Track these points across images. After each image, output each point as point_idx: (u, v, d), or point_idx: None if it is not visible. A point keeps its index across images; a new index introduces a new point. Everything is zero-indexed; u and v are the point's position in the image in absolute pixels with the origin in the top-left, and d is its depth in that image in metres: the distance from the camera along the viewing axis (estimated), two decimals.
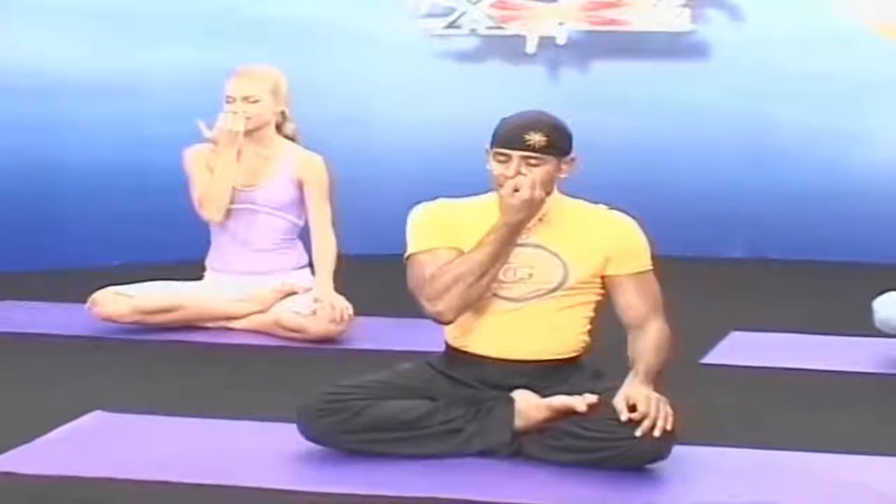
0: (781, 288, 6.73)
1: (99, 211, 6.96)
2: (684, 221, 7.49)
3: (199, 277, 5.62)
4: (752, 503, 3.51)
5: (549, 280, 3.87)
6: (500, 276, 3.86)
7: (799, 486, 3.66)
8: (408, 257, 3.93)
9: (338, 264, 5.47)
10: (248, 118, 5.44)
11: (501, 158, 3.84)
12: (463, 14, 7.59)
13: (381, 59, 7.49)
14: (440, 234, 3.89)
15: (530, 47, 7.59)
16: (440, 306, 3.83)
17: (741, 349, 5.35)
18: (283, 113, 5.60)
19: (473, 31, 7.62)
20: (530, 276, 3.87)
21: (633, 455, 3.68)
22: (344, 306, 5.29)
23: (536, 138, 3.83)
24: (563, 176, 3.92)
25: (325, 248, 5.45)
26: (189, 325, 5.47)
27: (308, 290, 5.42)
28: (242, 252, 5.55)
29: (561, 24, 7.58)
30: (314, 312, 5.30)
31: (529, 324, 3.88)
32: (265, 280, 5.50)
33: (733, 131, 7.51)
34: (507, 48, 7.63)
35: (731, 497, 3.55)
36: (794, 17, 7.38)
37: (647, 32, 7.55)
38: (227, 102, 5.46)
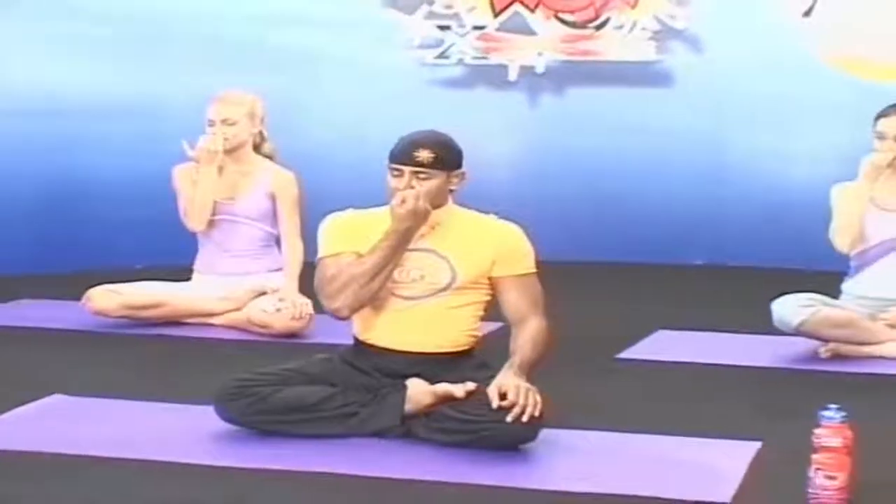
0: (722, 291, 6.70)
1: (122, 219, 7.04)
2: (650, 231, 7.51)
3: (190, 278, 5.72)
4: None
5: (439, 281, 3.91)
6: (396, 277, 3.90)
7: (642, 466, 3.68)
8: (317, 261, 4.01)
9: (307, 268, 5.53)
10: (226, 139, 5.51)
11: (395, 173, 3.90)
12: (452, 45, 7.63)
13: (379, 86, 7.53)
14: (344, 241, 3.94)
15: (512, 75, 7.62)
16: (337, 304, 3.90)
17: (657, 345, 5.35)
18: (260, 133, 5.66)
19: (461, 60, 7.65)
20: (422, 277, 3.92)
21: (504, 437, 3.71)
22: (304, 305, 5.35)
23: (425, 154, 3.87)
24: (453, 188, 3.96)
25: (292, 254, 5.51)
26: (173, 321, 5.53)
27: (277, 290, 5.48)
28: (223, 257, 5.62)
29: (540, 54, 7.60)
30: (278, 310, 5.38)
31: (422, 320, 3.92)
32: (242, 281, 5.56)
33: (694, 151, 7.51)
34: (492, 76, 7.66)
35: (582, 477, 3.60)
36: (748, 49, 7.35)
37: (618, 62, 7.56)
38: (209, 125, 5.54)
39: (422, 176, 3.87)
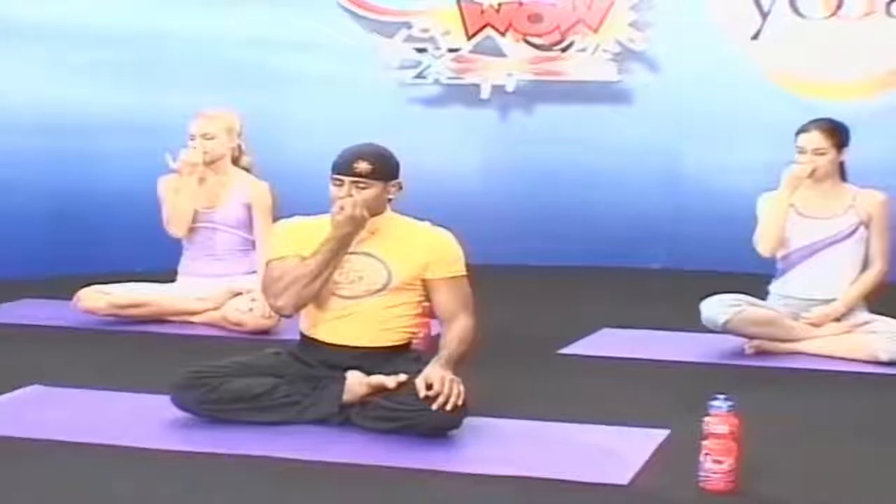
0: (670, 293, 6.69)
1: (126, 226, 7.05)
2: (610, 236, 7.55)
3: (173, 280, 5.77)
4: None
5: (376, 282, 3.96)
6: (337, 279, 3.94)
7: (556, 452, 3.71)
8: (265, 263, 4.06)
9: None
10: (205, 152, 5.57)
11: (336, 182, 3.94)
12: (428, 66, 7.69)
13: (363, 104, 7.57)
14: (289, 245, 4.00)
15: (484, 94, 7.68)
16: (280, 302, 3.95)
17: (598, 342, 5.36)
18: (238, 147, 5.71)
19: (437, 80, 7.71)
20: (360, 278, 3.96)
21: (430, 424, 3.75)
22: None
23: (363, 166, 3.91)
24: (391, 197, 3.99)
25: (266, 258, 5.54)
26: (157, 319, 5.57)
27: (251, 291, 5.51)
28: (204, 260, 5.68)
29: (510, 74, 7.66)
30: (251, 310, 5.43)
31: (360, 318, 3.96)
32: (220, 283, 5.61)
33: (652, 162, 7.56)
34: (466, 95, 7.72)
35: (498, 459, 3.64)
36: (701, 69, 7.40)
37: (581, 81, 7.61)
38: (190, 139, 5.60)
39: (360, 185, 3.91)
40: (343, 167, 3.93)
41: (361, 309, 3.96)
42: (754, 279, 5.53)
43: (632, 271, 7.42)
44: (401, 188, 4.02)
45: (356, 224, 3.89)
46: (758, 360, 5.02)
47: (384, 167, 3.96)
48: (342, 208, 3.87)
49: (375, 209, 3.94)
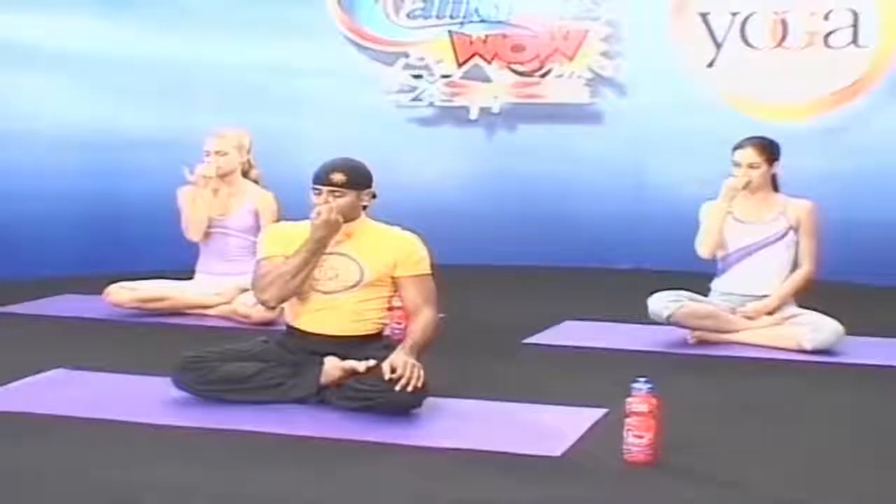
0: (631, 290, 6.68)
1: (150, 231, 7.04)
2: (583, 240, 7.55)
3: (191, 278, 5.82)
4: None
5: (350, 279, 3.99)
6: (316, 276, 3.98)
7: (501, 428, 3.74)
8: (255, 262, 4.10)
9: None
10: (218, 167, 5.63)
11: (315, 192, 3.98)
12: (423, 90, 7.71)
13: (365, 124, 7.60)
14: (275, 246, 4.03)
15: (473, 115, 7.70)
16: (265, 296, 3.99)
17: (559, 333, 5.35)
18: (248, 162, 5.77)
19: (431, 103, 7.73)
20: (336, 276, 3.99)
21: (394, 403, 3.78)
22: None
23: (338, 177, 3.95)
24: (365, 204, 4.02)
25: None
26: (175, 312, 5.61)
27: None
28: (217, 261, 5.71)
29: (495, 97, 7.68)
30: (255, 304, 5.44)
31: (337, 310, 3.99)
32: (231, 280, 5.65)
33: (620, 175, 7.54)
34: (456, 115, 7.73)
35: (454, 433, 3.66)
36: (664, 93, 7.39)
37: (559, 104, 7.61)
38: (205, 156, 5.66)
39: (336, 194, 3.95)
40: (321, 178, 3.96)
41: (338, 303, 3.99)
42: (710, 277, 5.55)
43: (601, 271, 7.42)
44: (374, 196, 4.05)
45: (332, 228, 3.93)
46: (698, 349, 5.02)
47: (357, 178, 3.99)
48: (319, 214, 3.91)
49: (350, 215, 3.98)
